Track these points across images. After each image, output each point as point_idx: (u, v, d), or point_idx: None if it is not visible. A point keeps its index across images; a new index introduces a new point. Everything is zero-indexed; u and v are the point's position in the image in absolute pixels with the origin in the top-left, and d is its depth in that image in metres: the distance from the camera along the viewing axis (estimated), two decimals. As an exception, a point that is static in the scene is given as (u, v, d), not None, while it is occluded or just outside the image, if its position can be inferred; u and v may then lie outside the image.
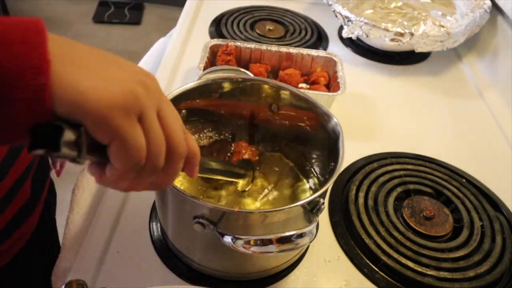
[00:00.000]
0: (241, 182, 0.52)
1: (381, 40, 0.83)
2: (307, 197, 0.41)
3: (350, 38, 0.91)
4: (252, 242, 0.38)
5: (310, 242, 0.40)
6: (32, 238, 0.60)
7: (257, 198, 0.53)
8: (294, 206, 0.40)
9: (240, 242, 0.38)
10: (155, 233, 0.52)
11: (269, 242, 0.38)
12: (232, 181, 0.52)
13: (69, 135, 0.24)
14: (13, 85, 0.22)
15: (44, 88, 0.23)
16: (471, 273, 0.51)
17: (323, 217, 0.57)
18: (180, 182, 0.52)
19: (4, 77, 0.22)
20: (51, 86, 0.23)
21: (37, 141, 0.24)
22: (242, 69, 0.67)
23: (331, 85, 0.73)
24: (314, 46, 0.91)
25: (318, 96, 0.66)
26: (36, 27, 0.24)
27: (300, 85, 0.73)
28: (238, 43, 0.75)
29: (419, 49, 0.83)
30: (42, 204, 0.63)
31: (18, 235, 0.57)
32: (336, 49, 0.93)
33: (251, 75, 0.67)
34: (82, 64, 0.25)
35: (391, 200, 0.58)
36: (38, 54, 0.23)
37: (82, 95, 0.24)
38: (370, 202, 0.58)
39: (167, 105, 0.30)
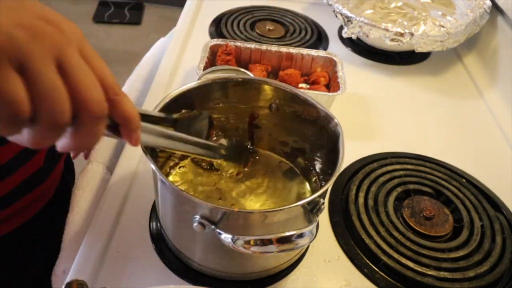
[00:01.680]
0: (224, 164, 0.50)
1: (381, 40, 0.83)
2: (307, 197, 0.41)
3: (350, 38, 0.91)
4: (252, 242, 0.38)
5: (310, 242, 0.40)
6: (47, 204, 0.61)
7: (256, 198, 0.53)
8: (294, 206, 0.40)
9: (240, 242, 0.38)
10: (155, 233, 0.52)
11: (269, 242, 0.38)
12: (213, 163, 0.50)
13: None
14: None
15: None
16: (471, 273, 0.51)
17: (323, 217, 0.57)
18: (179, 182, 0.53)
19: None
20: None
21: None
22: (242, 69, 0.67)
23: (331, 85, 0.73)
24: (314, 46, 0.91)
25: (318, 96, 0.66)
26: None
27: (300, 85, 0.73)
28: (238, 43, 0.75)
29: (419, 49, 0.83)
30: (57, 177, 0.63)
31: (35, 195, 0.58)
32: (336, 49, 0.93)
33: (251, 75, 0.67)
34: None
35: (391, 200, 0.58)
36: None
37: None
38: (370, 202, 0.58)
39: (76, 58, 0.27)
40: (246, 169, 0.53)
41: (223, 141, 0.51)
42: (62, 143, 0.30)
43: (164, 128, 0.42)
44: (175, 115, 0.47)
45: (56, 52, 0.26)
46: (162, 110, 0.46)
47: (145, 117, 0.42)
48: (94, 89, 0.28)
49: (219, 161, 0.51)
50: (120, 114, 0.30)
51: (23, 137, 0.27)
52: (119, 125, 0.31)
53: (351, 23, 0.84)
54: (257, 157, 0.56)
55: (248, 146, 0.53)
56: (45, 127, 0.26)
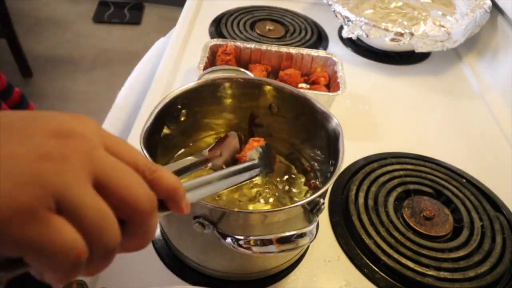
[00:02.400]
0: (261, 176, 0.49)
1: (381, 40, 0.83)
2: (307, 197, 0.41)
3: (350, 38, 0.91)
4: (252, 242, 0.38)
5: (310, 242, 0.40)
6: None
7: (256, 198, 0.52)
8: (294, 206, 0.40)
9: (240, 242, 0.38)
10: (155, 233, 0.52)
11: (269, 242, 0.38)
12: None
13: None
14: None
15: None
16: (471, 273, 0.51)
17: (323, 217, 0.57)
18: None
19: None
20: None
21: None
22: (242, 69, 0.67)
23: (331, 85, 0.73)
24: (314, 46, 0.91)
25: (318, 96, 0.66)
26: None
27: (300, 85, 0.73)
28: (238, 43, 0.75)
29: (419, 49, 0.83)
30: None
31: None
32: (336, 49, 0.93)
33: (251, 75, 0.67)
34: None
35: (391, 200, 0.58)
36: None
37: None
38: (370, 202, 0.58)
39: (108, 159, 0.24)
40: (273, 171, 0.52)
41: (252, 154, 0.49)
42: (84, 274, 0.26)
43: (199, 174, 0.42)
44: (204, 152, 0.47)
45: (88, 168, 0.22)
46: (162, 110, 0.46)
47: (181, 172, 0.43)
48: (138, 187, 0.25)
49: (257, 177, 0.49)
50: (164, 190, 0.27)
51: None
52: (163, 200, 0.28)
53: (351, 23, 0.84)
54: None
55: (270, 147, 0.51)
56: (99, 257, 0.23)
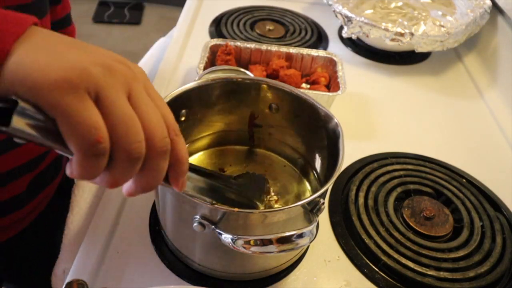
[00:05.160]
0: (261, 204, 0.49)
1: (381, 40, 0.83)
2: (307, 197, 0.41)
3: (350, 38, 0.91)
4: (252, 242, 0.38)
5: (310, 242, 0.40)
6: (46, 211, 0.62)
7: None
8: (294, 206, 0.40)
9: (240, 242, 0.38)
10: (155, 233, 0.52)
11: (269, 242, 0.38)
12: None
13: (24, 110, 0.24)
14: None
15: None
16: (471, 273, 0.51)
17: (323, 217, 0.57)
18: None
19: None
20: (4, 60, 0.24)
21: None
22: (242, 69, 0.67)
23: (331, 85, 0.73)
24: (314, 46, 0.91)
25: (318, 96, 0.66)
26: (17, 20, 0.26)
27: (300, 86, 0.73)
28: (238, 43, 0.75)
29: (419, 49, 0.83)
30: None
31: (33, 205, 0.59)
32: (336, 49, 0.93)
33: (251, 75, 0.67)
34: (45, 48, 0.25)
35: (391, 200, 0.58)
36: (3, 40, 0.24)
37: (21, 66, 0.24)
38: (370, 202, 0.58)
39: (144, 94, 0.29)
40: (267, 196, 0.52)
41: (240, 181, 0.50)
42: (127, 187, 0.31)
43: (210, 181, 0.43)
44: (231, 178, 0.48)
45: (127, 87, 0.27)
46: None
47: (206, 175, 0.44)
48: (159, 124, 0.29)
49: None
50: (175, 155, 0.30)
51: (101, 179, 0.28)
52: (169, 167, 0.31)
53: (351, 23, 0.84)
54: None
55: (264, 178, 0.52)
56: (123, 161, 0.27)
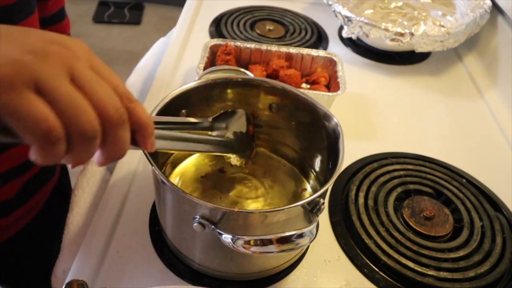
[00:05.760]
0: (233, 157, 0.50)
1: (381, 40, 0.83)
2: (307, 197, 0.41)
3: (350, 38, 0.91)
4: (252, 242, 0.38)
5: (310, 242, 0.40)
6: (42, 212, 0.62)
7: (256, 198, 0.52)
8: (294, 206, 0.40)
9: (240, 242, 0.38)
10: (155, 233, 0.52)
11: (269, 242, 0.38)
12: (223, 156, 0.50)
13: None
14: None
15: None
16: (471, 273, 0.51)
17: (323, 217, 0.57)
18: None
19: None
20: None
21: None
22: (242, 69, 0.67)
23: (331, 85, 0.73)
24: (314, 46, 0.91)
25: (318, 96, 0.66)
26: None
27: (301, 86, 0.73)
28: (238, 43, 0.75)
29: (419, 49, 0.83)
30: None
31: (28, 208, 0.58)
32: (336, 49, 0.93)
33: (251, 75, 0.67)
34: None
35: (391, 200, 0.58)
36: None
37: None
38: (370, 202, 0.58)
39: (88, 71, 0.28)
40: (250, 159, 0.52)
41: (229, 134, 0.51)
42: (96, 158, 0.31)
43: (181, 132, 0.44)
44: (209, 118, 0.48)
45: (66, 68, 0.27)
46: (162, 110, 0.46)
47: (181, 124, 0.44)
48: (110, 96, 0.28)
49: (229, 155, 0.50)
50: (135, 122, 0.31)
51: (66, 160, 0.28)
52: (135, 132, 0.32)
53: (351, 23, 0.84)
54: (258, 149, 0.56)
55: (252, 137, 0.53)
56: (78, 142, 0.27)
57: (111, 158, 0.31)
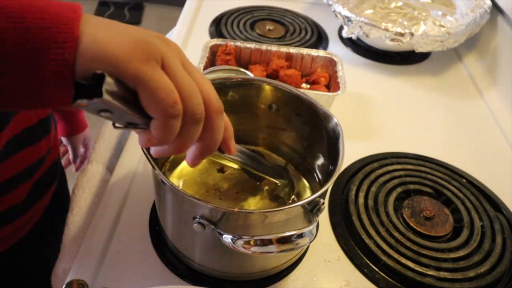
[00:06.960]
0: (280, 183, 0.52)
1: (381, 40, 0.83)
2: (307, 197, 0.41)
3: (350, 38, 0.91)
4: (252, 242, 0.38)
5: (310, 242, 0.40)
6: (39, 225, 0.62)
7: (256, 198, 0.52)
8: (294, 206, 0.40)
9: (240, 242, 0.38)
10: (155, 233, 0.52)
11: (269, 242, 0.38)
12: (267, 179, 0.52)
13: (110, 82, 0.26)
14: (49, 46, 0.26)
15: (71, 45, 0.26)
16: (471, 273, 0.51)
17: (323, 217, 0.57)
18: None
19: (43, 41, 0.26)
20: (77, 42, 0.26)
21: (81, 93, 0.26)
22: (242, 69, 0.67)
23: (331, 85, 0.73)
24: (314, 46, 0.91)
25: (318, 96, 0.66)
26: (70, 7, 0.28)
27: (301, 86, 0.73)
28: (238, 43, 0.75)
29: (419, 49, 0.83)
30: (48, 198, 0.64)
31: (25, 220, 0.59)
32: (336, 49, 0.93)
33: (251, 75, 0.67)
34: (107, 26, 0.28)
35: (391, 200, 0.58)
36: (70, 25, 0.27)
37: (99, 44, 0.27)
38: (370, 202, 0.58)
39: (189, 63, 0.32)
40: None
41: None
42: (191, 155, 0.34)
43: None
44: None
45: (179, 56, 0.31)
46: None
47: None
48: (211, 87, 0.32)
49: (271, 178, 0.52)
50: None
51: (172, 144, 0.31)
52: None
53: (351, 23, 0.84)
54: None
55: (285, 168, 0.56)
56: (189, 122, 0.30)
57: (206, 150, 0.34)
